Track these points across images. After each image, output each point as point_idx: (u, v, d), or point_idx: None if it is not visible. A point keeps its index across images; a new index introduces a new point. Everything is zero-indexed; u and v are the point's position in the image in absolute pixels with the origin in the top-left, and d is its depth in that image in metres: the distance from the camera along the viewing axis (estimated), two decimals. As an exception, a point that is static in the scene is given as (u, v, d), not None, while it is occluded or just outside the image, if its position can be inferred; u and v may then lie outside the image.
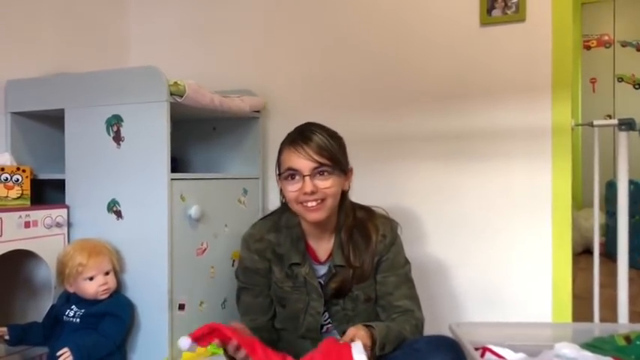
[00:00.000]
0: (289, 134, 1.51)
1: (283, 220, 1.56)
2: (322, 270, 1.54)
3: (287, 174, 1.44)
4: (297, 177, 1.43)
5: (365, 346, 1.23)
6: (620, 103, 5.48)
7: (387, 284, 1.52)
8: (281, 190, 1.55)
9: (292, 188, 1.44)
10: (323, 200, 1.43)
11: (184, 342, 1.21)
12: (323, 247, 1.55)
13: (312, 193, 1.41)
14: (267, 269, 1.54)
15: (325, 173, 1.43)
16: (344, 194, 1.54)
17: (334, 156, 1.44)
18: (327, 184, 1.43)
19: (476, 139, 2.14)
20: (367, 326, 1.33)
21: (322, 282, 1.53)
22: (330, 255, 1.53)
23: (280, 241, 1.53)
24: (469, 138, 2.15)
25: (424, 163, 2.23)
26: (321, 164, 1.42)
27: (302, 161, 1.42)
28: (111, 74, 1.98)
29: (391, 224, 1.57)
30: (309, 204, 1.43)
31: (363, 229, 1.52)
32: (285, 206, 1.56)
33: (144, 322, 1.88)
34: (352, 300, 1.51)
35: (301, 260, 1.51)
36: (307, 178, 1.41)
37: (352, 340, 1.23)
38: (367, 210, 1.58)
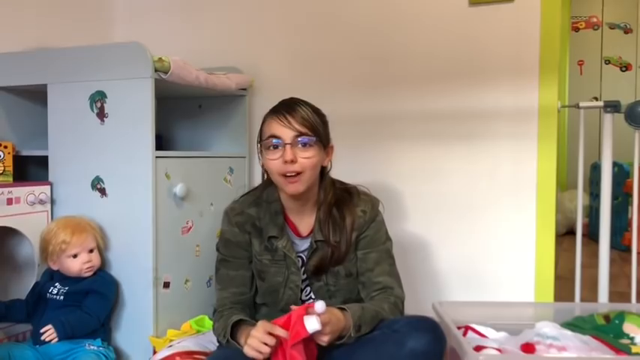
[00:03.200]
0: (273, 107, 1.52)
1: (265, 195, 1.57)
2: (304, 245, 1.54)
3: (269, 142, 1.45)
4: (278, 146, 1.44)
5: (330, 323, 1.26)
6: (607, 86, 5.51)
7: (367, 260, 1.53)
8: (263, 166, 1.55)
9: (273, 156, 1.45)
10: (301, 173, 1.44)
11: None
12: (305, 221, 1.56)
13: (292, 162, 1.42)
14: (248, 242, 1.55)
15: (306, 144, 1.44)
16: (324, 171, 1.55)
17: (316, 128, 1.46)
18: (307, 154, 1.44)
19: (462, 120, 2.15)
20: (341, 309, 1.34)
21: (304, 257, 1.54)
22: (312, 230, 1.54)
23: (260, 215, 1.54)
24: (455, 118, 2.15)
25: (410, 143, 2.23)
26: (302, 134, 1.43)
27: (284, 129, 1.43)
28: (95, 49, 1.94)
29: (372, 201, 1.58)
30: (288, 173, 1.43)
31: (343, 206, 1.53)
32: (267, 182, 1.56)
33: (128, 299, 1.88)
34: (333, 275, 1.52)
35: (279, 234, 1.52)
36: (288, 147, 1.42)
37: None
38: (348, 187, 1.59)
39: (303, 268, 1.53)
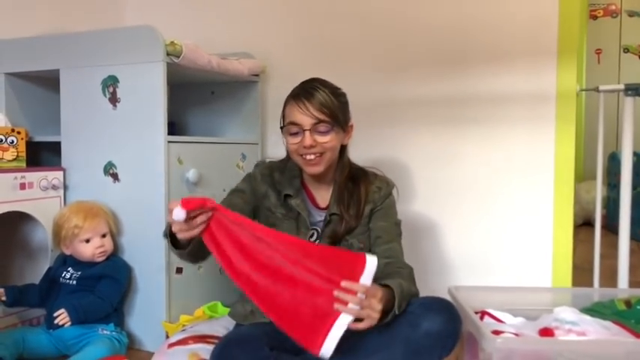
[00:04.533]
0: (294, 89, 1.53)
1: (288, 165, 1.61)
2: (320, 216, 1.57)
3: (289, 128, 1.49)
4: (298, 131, 1.47)
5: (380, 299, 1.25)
6: (626, 74, 5.39)
7: (377, 230, 1.55)
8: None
9: (293, 141, 1.48)
10: (322, 154, 1.48)
11: (179, 213, 1.16)
12: (321, 194, 1.59)
13: (311, 146, 1.46)
14: (263, 194, 1.57)
15: (324, 130, 1.47)
16: (343, 148, 1.58)
17: (334, 113, 1.48)
18: (325, 139, 1.47)
19: (478, 104, 2.11)
20: (384, 285, 1.32)
21: (319, 229, 1.55)
22: (329, 204, 1.57)
23: (281, 180, 1.58)
24: (471, 102, 2.12)
25: (424, 128, 2.19)
26: (321, 120, 1.46)
27: (303, 117, 1.46)
28: (106, 34, 1.93)
29: (387, 181, 1.61)
30: (308, 157, 1.48)
31: (359, 181, 1.57)
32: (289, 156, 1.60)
33: (141, 284, 1.87)
34: (347, 247, 1.52)
35: (294, 194, 1.55)
36: (307, 133, 1.45)
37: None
38: (364, 167, 1.63)
39: (317, 241, 1.54)
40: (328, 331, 1.20)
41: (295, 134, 1.47)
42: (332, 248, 1.33)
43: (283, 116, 1.53)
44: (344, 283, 1.21)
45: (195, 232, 1.21)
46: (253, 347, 1.27)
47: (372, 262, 1.25)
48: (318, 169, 1.49)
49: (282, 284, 1.24)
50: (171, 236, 1.29)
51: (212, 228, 1.23)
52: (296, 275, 1.24)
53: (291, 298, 1.23)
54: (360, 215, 1.53)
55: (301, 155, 1.48)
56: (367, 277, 1.24)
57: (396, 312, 1.29)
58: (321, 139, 1.46)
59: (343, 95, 1.54)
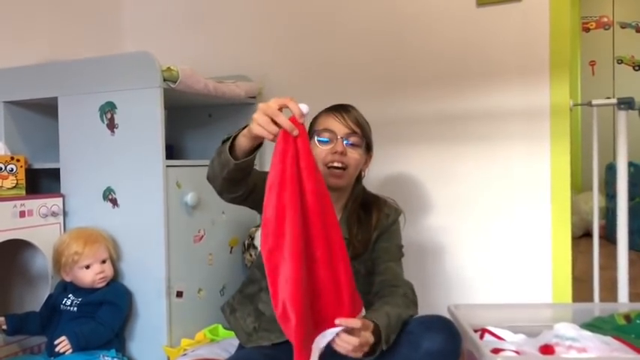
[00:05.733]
0: (328, 107, 1.57)
1: None
2: None
3: (322, 134, 1.49)
4: (330, 138, 1.49)
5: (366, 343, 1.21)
6: (620, 86, 5.43)
7: (378, 250, 1.55)
8: None
9: (323, 147, 1.49)
10: (346, 168, 1.49)
11: (305, 106, 1.15)
12: None
13: (342, 154, 1.47)
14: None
15: (356, 143, 1.50)
16: (359, 177, 1.60)
17: (366, 131, 1.54)
18: (354, 153, 1.50)
19: (474, 121, 2.12)
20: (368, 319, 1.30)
21: None
22: None
23: None
24: (467, 120, 2.13)
25: (421, 146, 2.21)
26: (355, 132, 1.50)
27: (339, 125, 1.49)
28: (103, 60, 1.95)
29: (397, 209, 1.62)
30: (335, 164, 1.47)
31: (371, 207, 1.58)
32: None
33: (142, 309, 1.87)
34: (354, 273, 1.50)
35: None
36: (340, 140, 1.48)
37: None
38: (377, 194, 1.64)
39: None
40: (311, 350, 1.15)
41: (326, 142, 1.49)
42: (351, 272, 1.23)
43: (313, 125, 1.55)
44: (340, 321, 1.17)
45: (275, 129, 1.15)
46: None
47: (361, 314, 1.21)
48: (340, 182, 1.50)
49: (307, 265, 1.14)
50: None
51: (289, 148, 1.15)
52: (320, 270, 1.16)
53: (305, 287, 1.12)
54: (369, 241, 1.54)
55: (326, 165, 1.47)
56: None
57: (383, 348, 1.26)
58: (350, 152, 1.48)
59: (369, 124, 1.59)
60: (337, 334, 1.17)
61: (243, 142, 1.25)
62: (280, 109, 1.17)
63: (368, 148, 1.57)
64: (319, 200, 1.17)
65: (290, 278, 1.10)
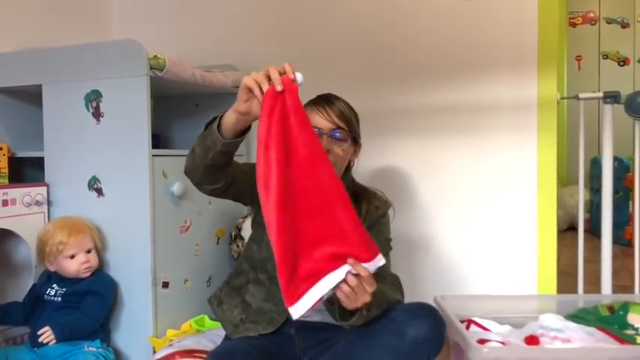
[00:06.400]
0: (312, 99, 1.53)
1: None
2: None
3: None
4: None
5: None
6: (605, 80, 5.49)
7: None
8: None
9: None
10: (333, 164, 1.42)
11: (300, 76, 1.18)
12: None
13: (327, 151, 1.44)
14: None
15: (341, 137, 1.47)
16: (348, 168, 1.58)
17: (351, 124, 1.50)
18: (340, 147, 1.47)
19: (462, 113, 2.13)
20: None
21: None
22: None
23: None
24: (455, 112, 2.14)
25: (410, 138, 2.21)
26: (339, 127, 1.47)
27: (323, 121, 1.46)
28: (89, 48, 1.92)
29: (386, 201, 1.61)
30: None
31: (361, 199, 1.56)
32: None
33: (127, 300, 1.86)
34: None
35: None
36: (325, 137, 1.45)
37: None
38: (366, 186, 1.62)
39: None
40: (308, 289, 1.15)
41: None
42: (358, 219, 1.21)
43: None
44: (350, 261, 1.16)
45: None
46: None
47: (380, 261, 1.21)
48: None
49: (298, 208, 1.17)
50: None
51: (276, 104, 1.18)
52: (318, 214, 1.17)
53: (300, 230, 1.16)
54: None
55: None
56: (370, 268, 1.19)
57: (363, 313, 1.25)
58: (336, 147, 1.46)
59: (357, 113, 1.56)
60: (348, 272, 1.16)
61: (231, 117, 1.26)
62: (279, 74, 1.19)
63: (355, 141, 1.55)
64: (311, 153, 1.19)
65: (273, 225, 1.15)
